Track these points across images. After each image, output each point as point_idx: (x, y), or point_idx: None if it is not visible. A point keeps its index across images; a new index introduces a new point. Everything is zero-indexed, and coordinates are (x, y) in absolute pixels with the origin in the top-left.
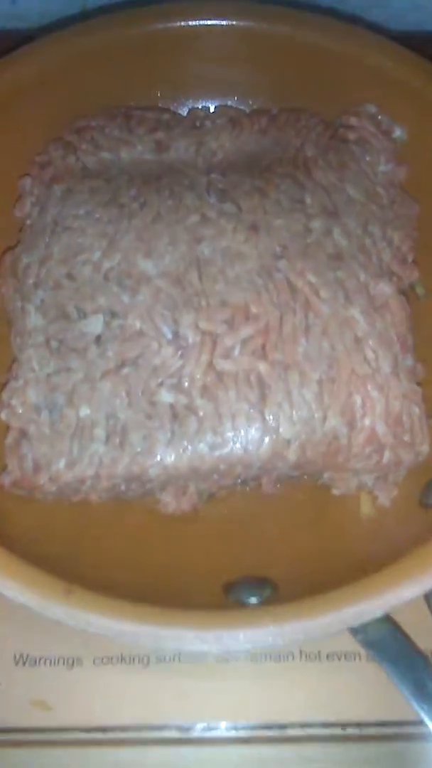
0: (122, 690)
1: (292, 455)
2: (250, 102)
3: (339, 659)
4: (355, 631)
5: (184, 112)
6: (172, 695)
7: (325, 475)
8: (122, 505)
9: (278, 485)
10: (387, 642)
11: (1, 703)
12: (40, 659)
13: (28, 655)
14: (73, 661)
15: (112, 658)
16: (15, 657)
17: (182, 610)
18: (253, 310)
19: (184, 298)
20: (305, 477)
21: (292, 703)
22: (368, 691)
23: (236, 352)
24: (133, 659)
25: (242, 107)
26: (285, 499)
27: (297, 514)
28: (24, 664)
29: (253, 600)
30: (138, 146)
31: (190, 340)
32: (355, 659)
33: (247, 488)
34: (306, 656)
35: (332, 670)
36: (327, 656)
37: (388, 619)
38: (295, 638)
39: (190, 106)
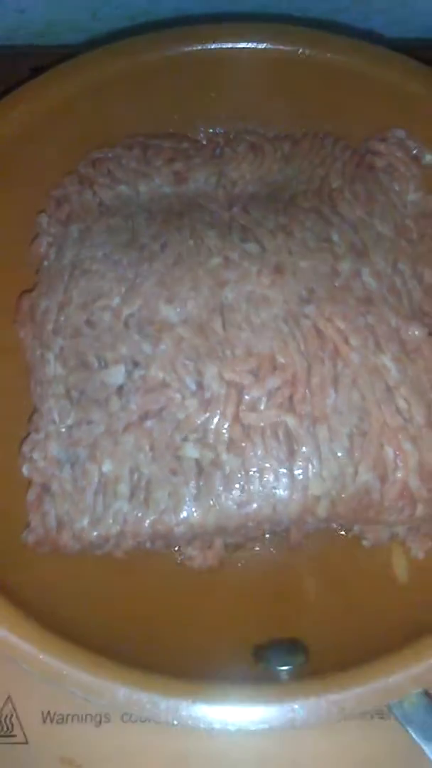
0: (151, 748)
1: (321, 511)
2: (272, 128)
3: (372, 718)
4: (389, 704)
5: (203, 139)
6: (200, 755)
7: (356, 527)
8: (147, 558)
9: (306, 537)
10: (422, 715)
11: (29, 762)
12: (68, 716)
13: (56, 713)
14: (101, 719)
15: (141, 716)
16: (43, 714)
17: (213, 685)
18: (280, 359)
19: (207, 348)
20: (335, 526)
21: (318, 764)
22: (397, 752)
23: (263, 404)
24: None
25: (264, 133)
26: (314, 550)
27: (327, 568)
28: (52, 721)
29: (285, 669)
30: (156, 179)
31: (215, 392)
32: (385, 718)
33: (276, 538)
34: None
35: (361, 729)
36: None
37: (424, 692)
38: (329, 717)
39: (209, 133)
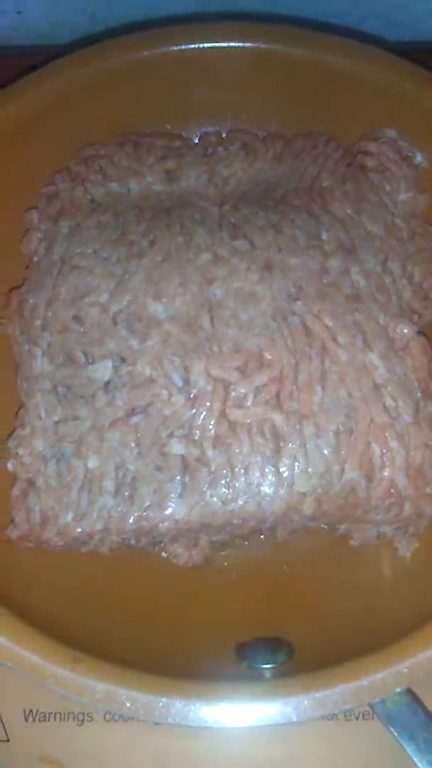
0: (133, 748)
1: (307, 509)
2: (264, 127)
3: (357, 719)
4: (372, 703)
5: (196, 137)
6: (183, 755)
7: (343, 526)
8: (132, 555)
9: (293, 535)
10: (406, 715)
11: (11, 760)
12: (50, 714)
13: (38, 711)
14: (84, 717)
15: (123, 715)
16: (25, 712)
17: (194, 682)
18: (267, 356)
19: (194, 344)
20: (322, 526)
21: (304, 765)
22: (384, 753)
23: (249, 401)
24: None
25: (256, 132)
26: (301, 549)
27: (314, 567)
28: (34, 719)
29: (267, 666)
30: (148, 176)
31: (201, 388)
32: (372, 718)
33: (262, 537)
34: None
35: (348, 730)
36: (344, 715)
37: (407, 690)
38: (310, 715)
39: (202, 131)
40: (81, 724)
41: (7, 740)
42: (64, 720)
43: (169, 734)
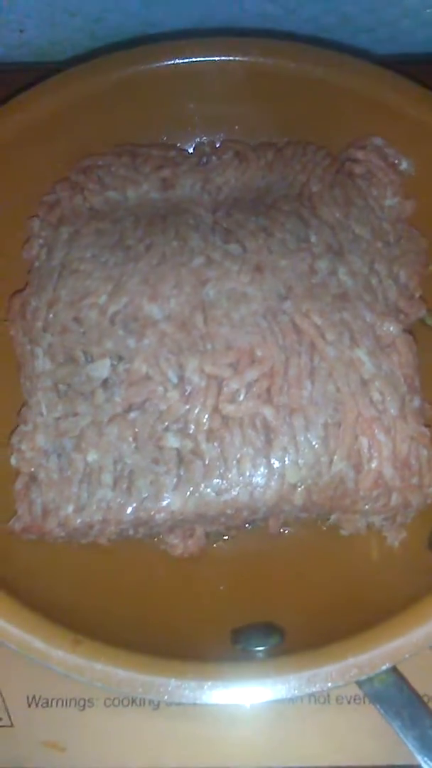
0: (133, 732)
1: (298, 499)
2: (256, 136)
3: (348, 702)
4: (360, 682)
5: (191, 147)
6: (182, 739)
7: (333, 516)
8: (130, 546)
9: (285, 527)
10: (392, 693)
11: (14, 744)
12: (52, 700)
13: (40, 697)
14: (85, 703)
15: (123, 700)
16: (28, 698)
17: (190, 662)
18: (258, 353)
19: (189, 342)
20: (313, 516)
21: (298, 747)
22: (374, 735)
23: (241, 396)
24: (144, 701)
25: (248, 142)
26: (293, 539)
27: (305, 556)
28: (37, 705)
29: (260, 649)
30: (144, 184)
31: (196, 385)
32: (363, 702)
33: (255, 527)
34: (315, 699)
35: (340, 713)
36: (336, 699)
37: (393, 670)
38: (300, 692)
39: (196, 142)
40: (82, 710)
41: (11, 725)
42: (66, 705)
43: (168, 718)
